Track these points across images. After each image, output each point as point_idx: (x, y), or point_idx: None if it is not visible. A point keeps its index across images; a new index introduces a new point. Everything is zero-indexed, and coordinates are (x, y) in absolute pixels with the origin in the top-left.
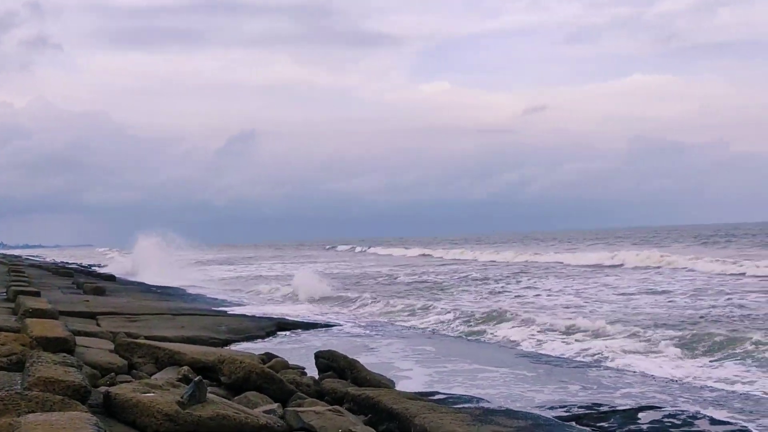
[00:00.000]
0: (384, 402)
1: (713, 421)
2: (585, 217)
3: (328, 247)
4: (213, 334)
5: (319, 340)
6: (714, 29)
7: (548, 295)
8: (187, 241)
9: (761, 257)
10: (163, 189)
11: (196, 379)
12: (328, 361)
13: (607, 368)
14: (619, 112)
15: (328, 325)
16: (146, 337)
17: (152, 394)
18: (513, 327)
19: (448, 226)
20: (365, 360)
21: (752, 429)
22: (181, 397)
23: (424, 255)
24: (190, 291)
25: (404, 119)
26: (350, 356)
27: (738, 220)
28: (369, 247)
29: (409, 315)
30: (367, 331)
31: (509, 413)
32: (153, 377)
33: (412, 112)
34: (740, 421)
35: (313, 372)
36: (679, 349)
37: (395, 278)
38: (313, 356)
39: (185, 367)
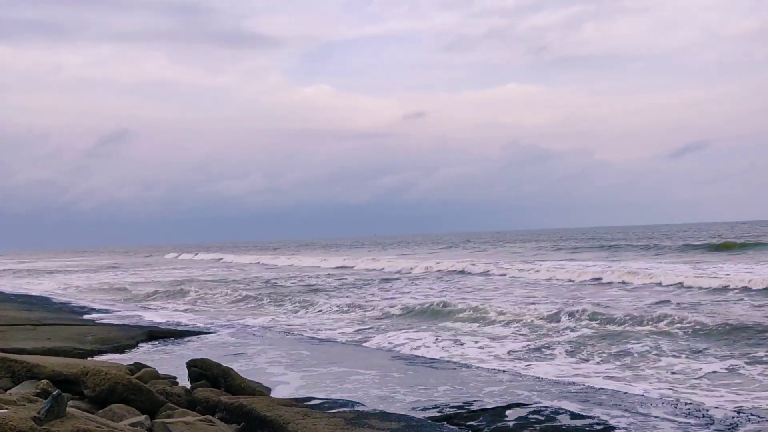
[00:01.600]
0: (258, 409)
1: (573, 416)
2: (463, 221)
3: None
4: (78, 345)
5: (192, 349)
6: (580, 43)
7: (411, 297)
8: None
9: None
10: (22, 191)
11: (54, 392)
12: (200, 370)
13: (478, 368)
14: (493, 119)
15: (202, 333)
16: (1, 350)
17: (4, 411)
18: (387, 331)
19: (328, 229)
20: (240, 367)
21: (609, 420)
22: (38, 413)
23: (259, 263)
24: (56, 299)
25: (283, 121)
26: (224, 364)
27: (600, 224)
28: (196, 254)
29: (284, 319)
30: (243, 338)
31: (383, 416)
32: (8, 392)
33: (291, 114)
34: (599, 414)
35: (185, 381)
36: (538, 350)
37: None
38: (185, 365)
39: (44, 381)
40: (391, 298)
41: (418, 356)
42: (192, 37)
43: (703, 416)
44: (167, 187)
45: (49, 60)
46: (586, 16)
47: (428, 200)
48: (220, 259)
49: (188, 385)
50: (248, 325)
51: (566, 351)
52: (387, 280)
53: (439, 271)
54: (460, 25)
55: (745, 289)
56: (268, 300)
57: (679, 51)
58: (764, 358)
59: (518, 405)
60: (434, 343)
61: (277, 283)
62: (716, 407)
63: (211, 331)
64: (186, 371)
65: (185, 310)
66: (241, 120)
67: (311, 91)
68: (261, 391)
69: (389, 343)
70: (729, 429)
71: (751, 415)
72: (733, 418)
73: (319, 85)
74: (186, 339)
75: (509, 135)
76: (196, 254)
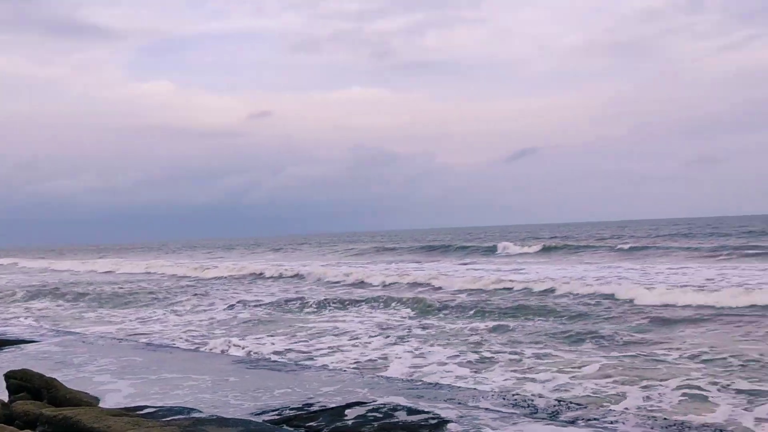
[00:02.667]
0: (84, 421)
1: (410, 411)
2: (311, 222)
3: None
4: None
5: (10, 360)
6: (423, 50)
7: (244, 303)
8: None
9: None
10: None
11: None
12: (20, 382)
13: (319, 369)
14: (340, 121)
15: (23, 342)
16: None
17: None
18: (224, 335)
19: (170, 230)
20: (66, 377)
21: (442, 414)
22: None
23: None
24: None
25: (119, 117)
26: (49, 374)
27: (442, 225)
28: None
29: (115, 326)
30: (70, 347)
31: (221, 421)
32: None
33: (128, 110)
34: (435, 409)
35: (3, 395)
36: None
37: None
38: (3, 377)
39: None
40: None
41: (258, 359)
42: (18, 25)
43: (528, 405)
44: None
45: None
46: (428, 24)
47: (275, 201)
48: (15, 263)
49: (6, 398)
50: (75, 333)
51: (405, 350)
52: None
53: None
54: (305, 26)
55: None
56: (93, 305)
57: (514, 61)
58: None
59: (357, 404)
60: (273, 345)
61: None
62: (540, 396)
63: (34, 339)
64: (3, 384)
65: (5, 318)
66: (73, 115)
67: (150, 87)
68: (88, 401)
69: (227, 346)
70: (551, 417)
71: (571, 403)
72: (554, 406)
73: (159, 81)
74: (6, 348)
75: (355, 137)
76: None
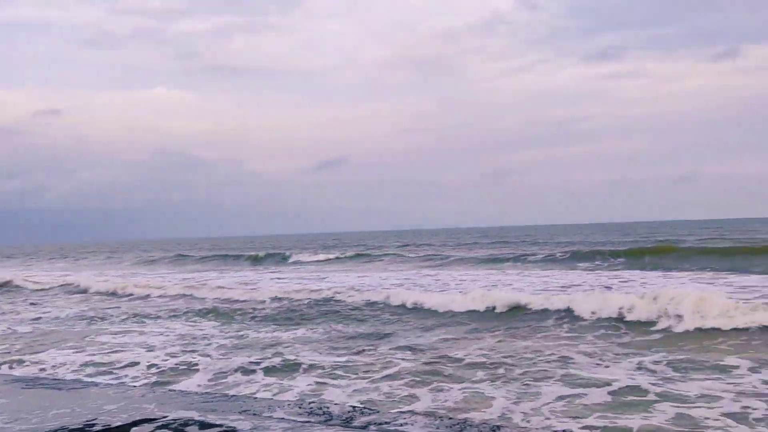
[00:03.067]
0: None
1: (203, 425)
2: (105, 228)
3: None
4: None
5: None
6: (230, 53)
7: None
8: None
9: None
10: None
11: None
12: None
13: (105, 385)
14: (142, 123)
15: None
16: None
17: None
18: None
19: None
20: None
21: (234, 425)
22: None
23: None
24: None
25: None
26: None
27: (250, 233)
28: None
29: None
30: None
31: None
32: None
33: None
34: (228, 422)
35: None
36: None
37: None
38: None
39: None
40: None
41: (37, 377)
42: None
43: (324, 413)
44: None
45: None
46: (236, 28)
47: (64, 206)
48: None
49: None
50: None
51: (207, 362)
52: None
53: None
54: (103, 20)
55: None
56: None
57: (322, 71)
58: None
59: (145, 420)
60: (58, 360)
61: None
62: (336, 403)
63: None
64: None
65: None
66: None
67: None
68: None
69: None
70: (344, 423)
71: (365, 408)
72: (348, 412)
73: None
74: None
75: (158, 141)
76: None
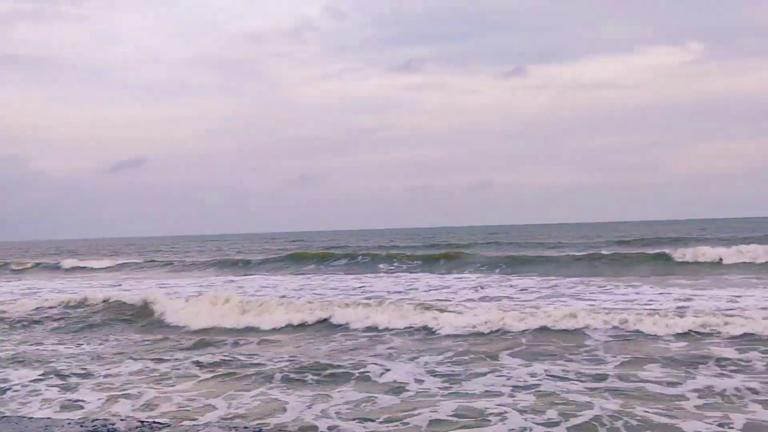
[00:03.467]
0: None
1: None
2: None
3: None
4: None
5: None
6: (12, 41)
7: None
8: None
9: None
10: None
11: None
12: None
13: None
14: None
15: None
16: None
17: None
18: None
19: None
20: None
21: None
22: None
23: None
24: None
25: None
26: None
27: (35, 238)
28: None
29: None
30: None
31: None
32: None
33: None
34: None
35: None
36: None
37: None
38: None
39: None
40: None
41: None
42: None
43: (109, 429)
44: None
45: None
46: (20, 14)
47: None
48: None
49: None
50: None
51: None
52: None
53: None
54: None
55: None
56: None
57: (119, 67)
58: None
59: None
60: None
61: None
62: (123, 418)
63: None
64: None
65: None
66: None
67: None
68: None
69: None
70: None
71: (155, 422)
72: (137, 428)
73: None
74: None
75: None
76: None
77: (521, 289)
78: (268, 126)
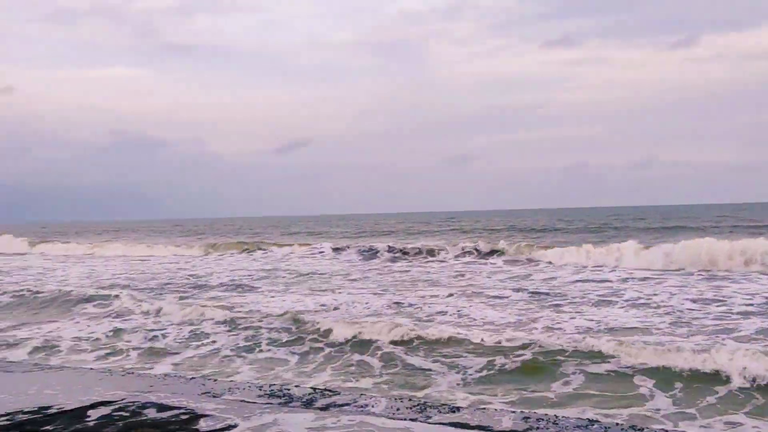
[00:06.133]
0: None
1: (161, 408)
2: (63, 208)
3: None
4: None
5: None
6: (192, 32)
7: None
8: None
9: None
10: None
11: None
12: None
13: (64, 368)
14: (99, 102)
15: None
16: None
17: None
18: None
19: None
20: None
21: (194, 408)
22: None
23: None
24: None
25: None
26: None
27: (211, 216)
28: None
29: None
30: None
31: None
32: None
33: None
34: (187, 404)
35: None
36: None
37: None
38: None
39: None
40: None
41: None
42: None
43: (284, 395)
44: None
45: None
46: (198, 6)
47: (17, 184)
48: None
49: None
50: None
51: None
52: None
53: None
54: None
55: None
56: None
57: (285, 52)
58: None
59: (102, 403)
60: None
61: None
62: (297, 386)
63: None
64: None
65: None
66: None
67: None
68: None
69: None
70: (305, 405)
71: (326, 390)
72: (309, 394)
73: None
74: None
75: (115, 120)
76: None
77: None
78: (424, 105)
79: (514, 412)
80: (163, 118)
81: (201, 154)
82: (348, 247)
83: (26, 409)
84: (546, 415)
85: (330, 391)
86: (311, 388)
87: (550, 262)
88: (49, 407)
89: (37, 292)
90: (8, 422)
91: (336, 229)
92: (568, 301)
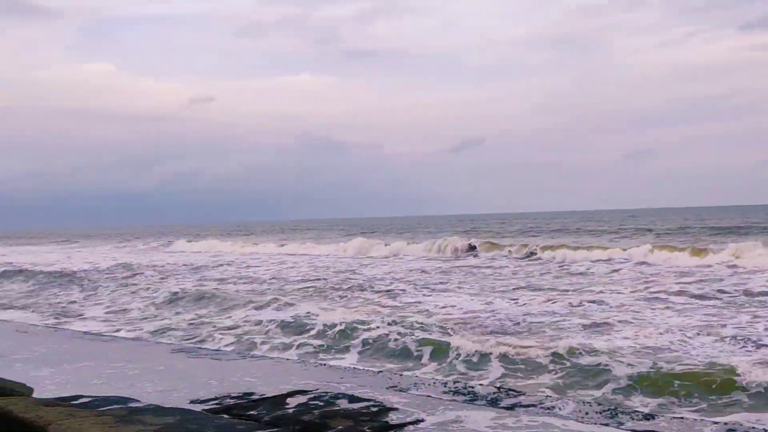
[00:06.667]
0: (15, 411)
1: (352, 399)
2: (256, 209)
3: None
4: None
5: None
6: (370, 37)
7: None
8: None
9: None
10: None
11: None
12: None
13: (261, 358)
14: (285, 108)
15: None
16: None
17: None
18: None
19: (107, 217)
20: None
21: (383, 401)
22: None
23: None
24: None
25: (56, 99)
26: None
27: (389, 214)
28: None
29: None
30: (4, 336)
31: (157, 411)
32: None
33: (65, 92)
34: (377, 397)
35: None
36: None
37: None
38: None
39: None
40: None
41: (200, 348)
42: None
43: (469, 392)
44: None
45: None
46: (377, 12)
47: (218, 188)
48: None
49: None
50: (5, 321)
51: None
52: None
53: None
54: (252, 10)
55: None
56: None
57: (460, 52)
58: None
59: (299, 392)
60: (219, 334)
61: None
62: (481, 384)
63: None
64: None
65: None
66: (8, 96)
67: (89, 68)
68: (21, 391)
69: (167, 335)
70: (491, 403)
71: (510, 390)
72: (494, 393)
73: (98, 62)
74: None
75: (301, 125)
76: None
77: None
78: (602, 100)
79: (716, 423)
80: (345, 122)
81: (379, 156)
82: None
83: (233, 394)
84: (754, 428)
85: (514, 390)
86: (496, 387)
87: None
88: (251, 393)
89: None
90: (217, 405)
91: (547, 227)
92: None
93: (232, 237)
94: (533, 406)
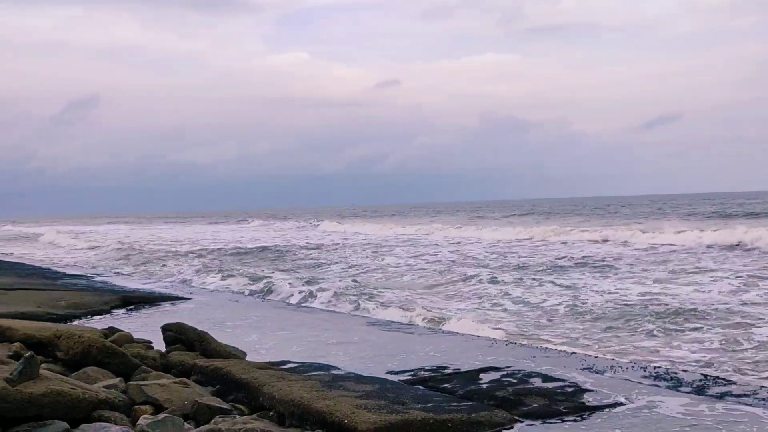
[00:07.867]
0: (233, 372)
1: (546, 378)
2: (438, 190)
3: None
4: (50, 310)
5: (167, 314)
6: (555, 13)
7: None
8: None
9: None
10: None
11: (27, 354)
12: (175, 334)
13: (453, 333)
14: (469, 89)
15: (177, 299)
16: None
17: None
18: (363, 298)
19: (301, 198)
20: (216, 332)
21: (577, 382)
22: (11, 374)
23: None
24: (29, 264)
25: (257, 88)
26: (200, 329)
27: (576, 195)
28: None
29: (260, 285)
30: (219, 304)
31: (358, 378)
32: None
33: (265, 81)
34: (571, 377)
35: (160, 346)
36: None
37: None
38: (160, 329)
39: (17, 344)
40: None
41: (393, 322)
42: (164, 0)
43: (671, 378)
44: (137, 154)
45: (16, 23)
46: None
47: (404, 169)
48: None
49: (163, 348)
50: (223, 290)
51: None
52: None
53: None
54: None
55: None
56: (241, 266)
57: (654, 22)
58: None
59: (491, 369)
60: (410, 310)
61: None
62: (684, 370)
63: (185, 297)
64: (161, 335)
65: (158, 277)
66: (214, 87)
67: (287, 58)
68: (236, 354)
69: (365, 309)
70: (696, 391)
71: (718, 378)
72: (700, 380)
73: (293, 52)
74: (161, 304)
75: (485, 105)
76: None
77: None
78: None
79: None
80: (529, 100)
81: (565, 134)
82: None
83: (427, 367)
84: None
85: (724, 379)
86: (702, 374)
87: None
88: (445, 367)
89: None
90: (412, 377)
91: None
92: None
93: (419, 218)
94: (746, 395)
